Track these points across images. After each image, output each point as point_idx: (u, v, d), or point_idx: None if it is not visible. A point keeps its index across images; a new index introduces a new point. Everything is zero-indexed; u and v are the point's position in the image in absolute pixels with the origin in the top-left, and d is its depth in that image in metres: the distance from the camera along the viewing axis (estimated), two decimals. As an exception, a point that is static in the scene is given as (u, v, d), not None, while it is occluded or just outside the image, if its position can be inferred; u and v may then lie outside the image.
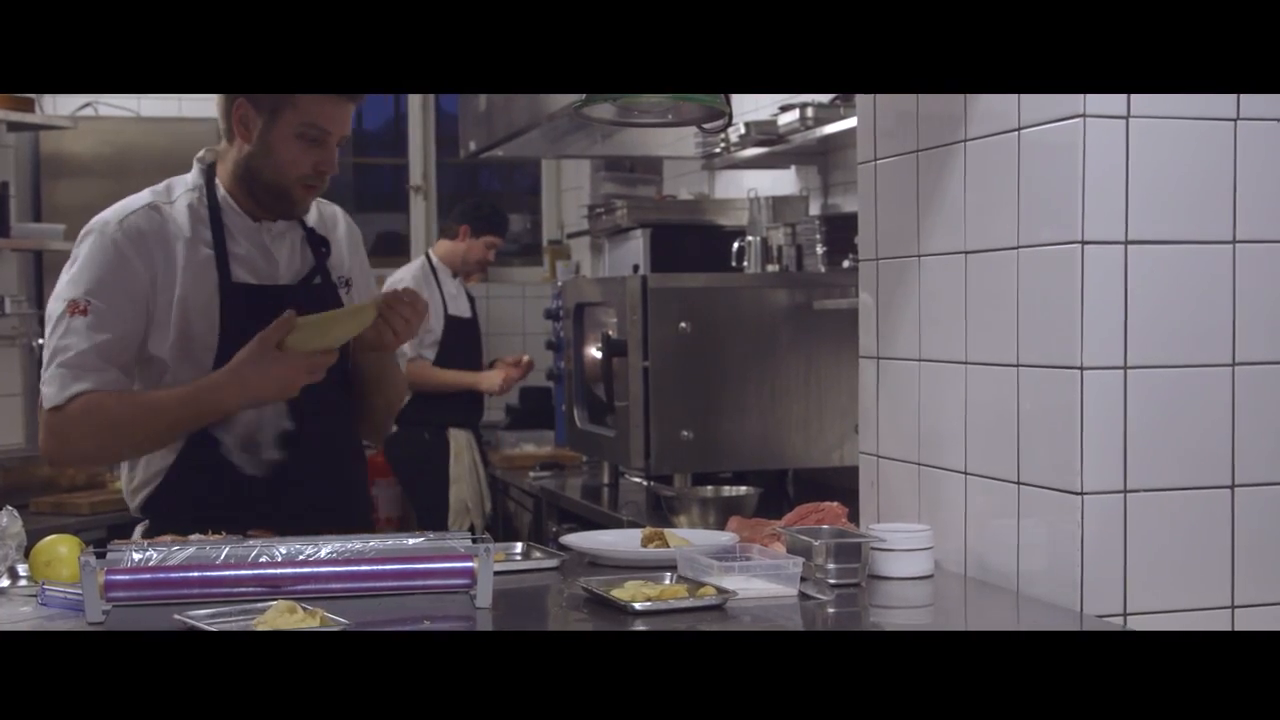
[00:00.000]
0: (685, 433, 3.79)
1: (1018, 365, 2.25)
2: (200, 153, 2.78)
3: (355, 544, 2.16)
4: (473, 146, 5.22)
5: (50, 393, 2.59)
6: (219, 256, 2.67)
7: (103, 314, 2.59)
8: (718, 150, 5.12)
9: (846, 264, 4.21)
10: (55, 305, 2.63)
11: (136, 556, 2.07)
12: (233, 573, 2.08)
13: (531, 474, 4.99)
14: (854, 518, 2.63)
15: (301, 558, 2.13)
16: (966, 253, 2.37)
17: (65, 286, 2.64)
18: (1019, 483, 2.25)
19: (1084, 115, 2.10)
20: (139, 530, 2.73)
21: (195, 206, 2.69)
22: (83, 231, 2.68)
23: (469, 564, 2.13)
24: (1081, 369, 2.12)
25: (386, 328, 2.68)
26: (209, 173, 2.74)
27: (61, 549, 2.24)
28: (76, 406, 2.58)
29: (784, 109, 4.55)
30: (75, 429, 2.60)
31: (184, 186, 2.73)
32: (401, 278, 5.81)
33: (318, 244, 2.81)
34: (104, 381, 2.59)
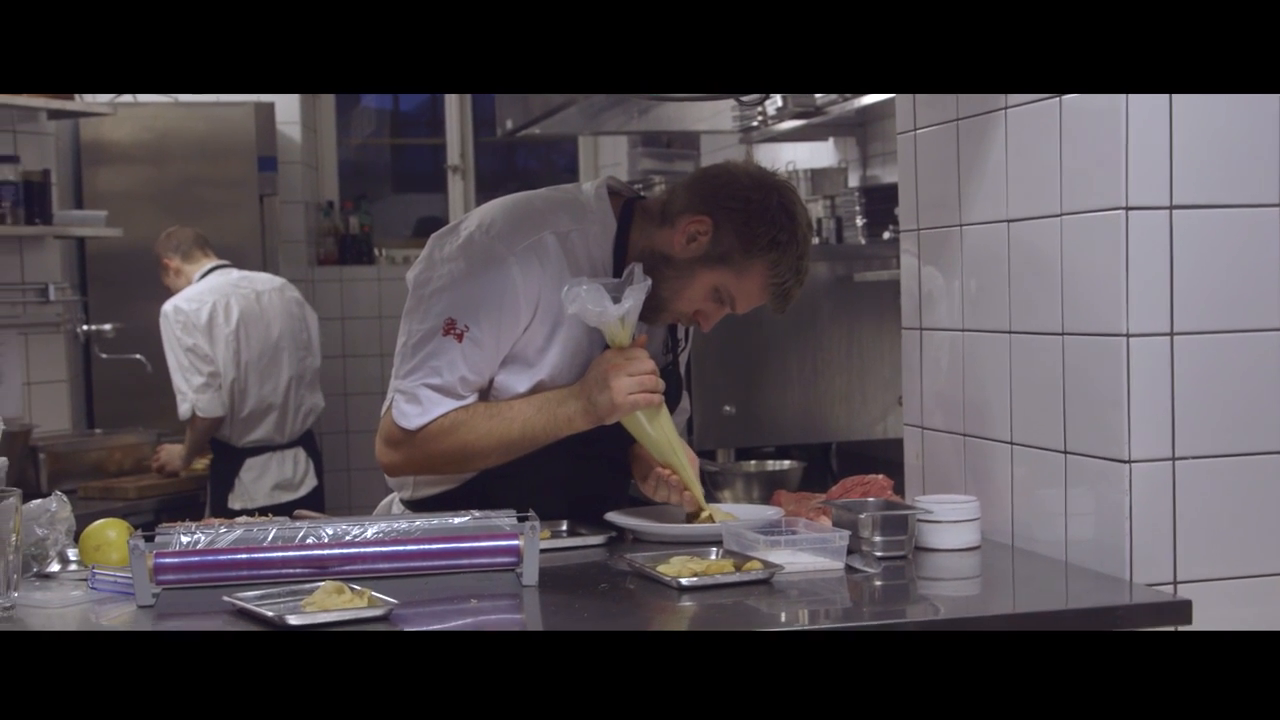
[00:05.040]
0: (728, 408, 3.79)
1: (1063, 334, 2.23)
2: (610, 179, 2.63)
3: (401, 524, 2.17)
4: (510, 125, 5.21)
5: (410, 412, 2.48)
6: None
7: (479, 342, 2.46)
8: (755, 124, 5.10)
9: (887, 235, 4.19)
10: (427, 311, 2.49)
11: (185, 539, 2.08)
12: (280, 554, 2.09)
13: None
14: (899, 490, 2.62)
15: (349, 538, 2.14)
16: (1009, 221, 2.35)
17: (442, 295, 2.49)
18: (1065, 452, 2.23)
19: (1126, 80, 2.08)
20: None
21: (602, 249, 2.55)
22: (468, 231, 2.52)
23: (515, 542, 2.14)
24: (1127, 336, 2.10)
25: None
26: (625, 214, 2.57)
27: (110, 533, 2.25)
28: (435, 427, 2.48)
29: (821, 80, 4.53)
30: (429, 449, 2.50)
31: (595, 217, 2.56)
32: None
33: (674, 329, 2.73)
34: (464, 404, 2.49)
